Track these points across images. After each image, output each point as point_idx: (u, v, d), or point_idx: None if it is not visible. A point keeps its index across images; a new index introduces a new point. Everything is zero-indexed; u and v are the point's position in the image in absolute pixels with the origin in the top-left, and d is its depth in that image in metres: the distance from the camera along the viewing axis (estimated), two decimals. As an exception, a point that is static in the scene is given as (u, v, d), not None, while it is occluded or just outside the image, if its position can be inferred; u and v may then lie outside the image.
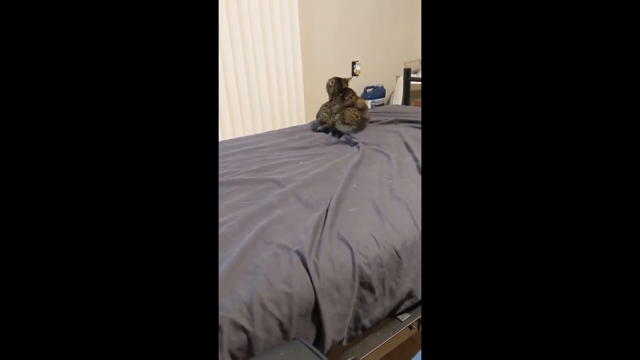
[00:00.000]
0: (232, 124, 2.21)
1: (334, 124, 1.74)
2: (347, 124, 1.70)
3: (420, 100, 2.76)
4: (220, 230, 0.88)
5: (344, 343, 0.79)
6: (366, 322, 0.82)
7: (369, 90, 2.90)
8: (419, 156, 1.33)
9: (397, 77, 2.96)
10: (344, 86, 1.84)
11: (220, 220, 0.94)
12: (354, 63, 2.84)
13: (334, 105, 1.78)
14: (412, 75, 2.37)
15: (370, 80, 2.95)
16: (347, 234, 0.85)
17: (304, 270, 0.75)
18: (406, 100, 2.41)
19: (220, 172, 1.29)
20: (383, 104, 2.96)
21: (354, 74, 2.85)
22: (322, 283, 0.74)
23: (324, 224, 0.90)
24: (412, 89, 2.41)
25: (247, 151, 1.54)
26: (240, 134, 2.22)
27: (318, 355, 0.62)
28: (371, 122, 1.90)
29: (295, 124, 2.37)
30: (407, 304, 0.89)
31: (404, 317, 0.89)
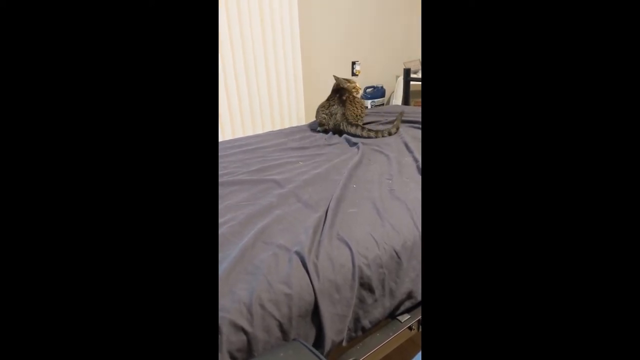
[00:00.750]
0: (232, 124, 2.21)
1: (335, 125, 1.74)
2: (354, 124, 1.69)
3: (420, 100, 2.76)
4: (220, 231, 0.88)
5: (344, 344, 0.79)
6: (366, 323, 0.82)
7: (368, 90, 2.90)
8: (418, 156, 1.33)
9: (397, 77, 2.96)
10: (341, 85, 1.84)
11: (220, 220, 0.93)
12: (353, 63, 2.84)
13: (332, 105, 1.78)
14: (412, 75, 2.37)
15: (370, 80, 2.95)
16: (347, 235, 0.85)
17: (304, 270, 0.75)
18: (406, 100, 2.41)
19: (220, 172, 1.29)
20: (383, 104, 2.96)
21: (354, 74, 2.85)
22: (321, 284, 0.74)
23: (324, 224, 0.89)
24: (412, 89, 2.41)
25: (247, 151, 1.54)
26: (240, 134, 2.22)
27: (318, 356, 0.62)
28: (371, 122, 1.90)
29: (295, 125, 2.37)
30: (407, 304, 0.89)
31: (404, 317, 0.89)
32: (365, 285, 0.81)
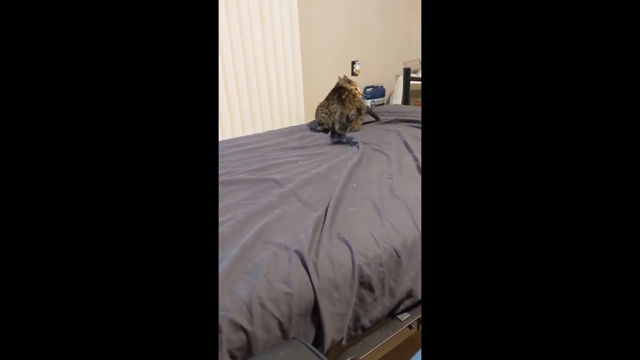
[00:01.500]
0: (232, 124, 2.20)
1: (334, 124, 1.74)
2: (349, 118, 1.69)
3: (420, 99, 2.76)
4: (220, 230, 0.88)
5: (344, 343, 0.79)
6: (366, 322, 0.82)
7: (368, 90, 2.90)
8: (418, 156, 1.33)
9: (397, 76, 2.96)
10: (340, 85, 1.84)
11: (220, 219, 0.93)
12: (353, 63, 2.84)
13: (332, 104, 1.78)
14: (412, 75, 2.37)
15: (370, 80, 2.95)
16: (347, 234, 0.85)
17: (304, 269, 0.75)
18: (406, 100, 2.41)
19: (219, 171, 1.29)
20: (383, 104, 2.96)
21: (353, 74, 2.85)
22: (321, 282, 0.74)
23: (324, 223, 0.90)
24: (411, 88, 2.41)
25: (247, 151, 1.54)
26: (239, 133, 2.22)
27: (317, 355, 0.62)
28: (371, 122, 1.90)
29: (294, 124, 2.37)
30: (407, 303, 0.89)
31: (404, 316, 0.89)
32: (365, 284, 0.81)
